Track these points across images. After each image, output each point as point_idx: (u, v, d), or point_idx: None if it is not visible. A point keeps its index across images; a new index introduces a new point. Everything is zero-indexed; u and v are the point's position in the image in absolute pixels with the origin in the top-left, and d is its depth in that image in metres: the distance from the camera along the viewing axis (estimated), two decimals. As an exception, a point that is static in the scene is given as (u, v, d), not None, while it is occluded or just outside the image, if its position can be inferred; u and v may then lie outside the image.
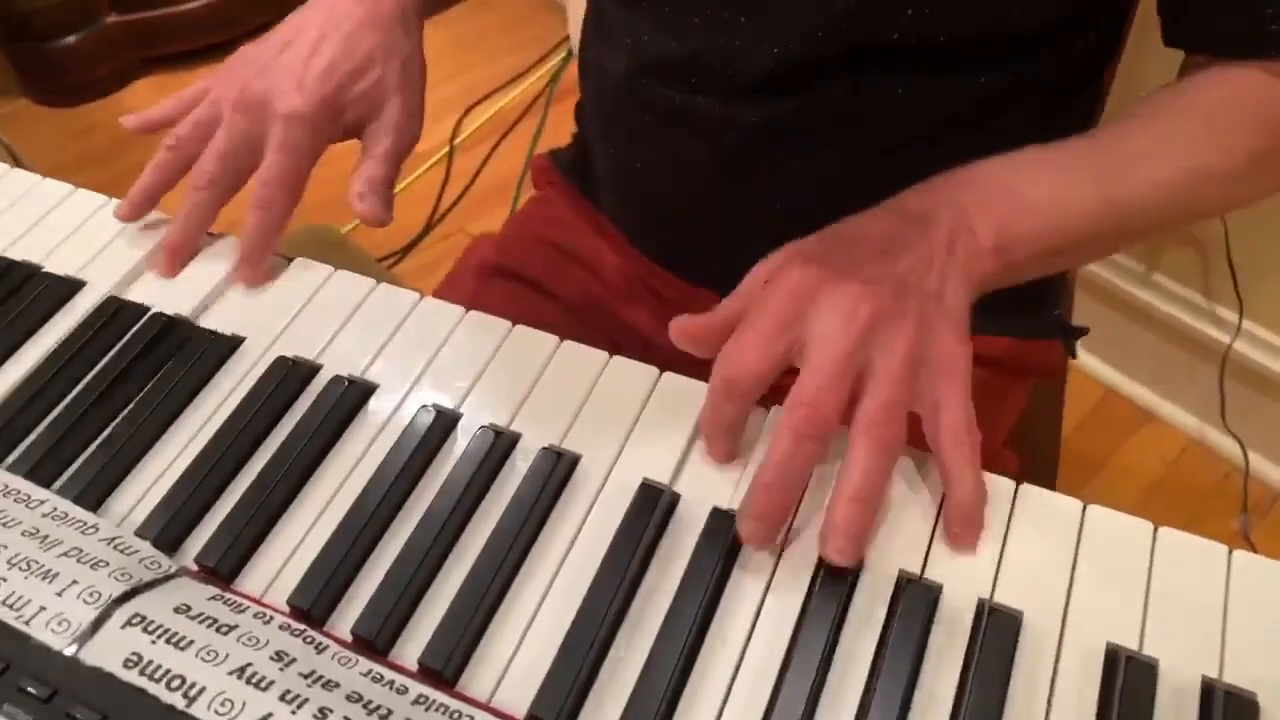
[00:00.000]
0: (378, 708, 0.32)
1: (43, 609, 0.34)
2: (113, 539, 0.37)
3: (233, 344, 0.45)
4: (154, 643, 0.33)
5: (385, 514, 0.39)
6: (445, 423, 0.41)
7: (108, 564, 0.36)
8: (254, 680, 0.32)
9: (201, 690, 0.31)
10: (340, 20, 0.51)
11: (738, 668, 0.34)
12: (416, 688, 0.33)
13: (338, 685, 0.33)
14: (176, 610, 0.34)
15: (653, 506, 0.38)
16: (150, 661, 0.32)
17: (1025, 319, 0.61)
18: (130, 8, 1.79)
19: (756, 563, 0.37)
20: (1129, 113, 0.46)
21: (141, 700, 0.31)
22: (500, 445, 0.40)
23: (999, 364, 0.59)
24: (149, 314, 0.47)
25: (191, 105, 0.52)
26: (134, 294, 0.48)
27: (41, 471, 0.41)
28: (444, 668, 0.34)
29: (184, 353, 0.45)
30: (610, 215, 0.66)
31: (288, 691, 0.32)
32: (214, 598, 0.35)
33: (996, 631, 0.34)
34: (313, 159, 0.50)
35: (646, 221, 0.63)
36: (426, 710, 0.33)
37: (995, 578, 0.36)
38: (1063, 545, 0.37)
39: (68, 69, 1.78)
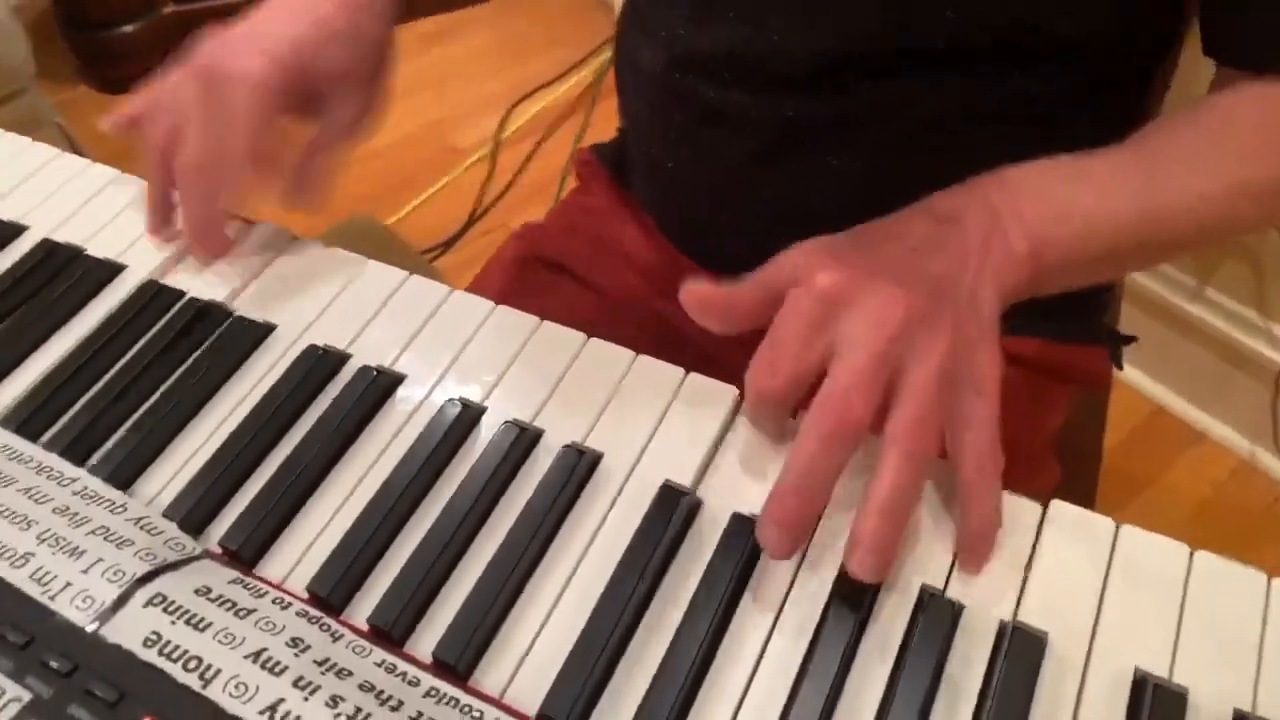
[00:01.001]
0: (389, 698, 0.32)
1: (68, 585, 0.34)
2: (140, 519, 0.38)
3: (265, 331, 0.46)
4: (174, 623, 0.33)
5: (406, 506, 0.39)
6: (470, 416, 0.41)
7: (134, 543, 0.36)
8: (269, 665, 0.32)
9: (217, 672, 0.32)
10: (315, 4, 0.51)
11: (752, 677, 0.34)
12: (429, 680, 0.33)
13: (351, 674, 0.33)
14: (197, 592, 0.34)
15: (673, 509, 0.37)
16: (169, 642, 0.33)
17: (1073, 323, 0.59)
18: (188, -2, 1.83)
19: (775, 570, 0.36)
20: (1163, 125, 0.45)
21: (159, 679, 0.32)
22: (523, 441, 0.40)
23: (1042, 365, 0.58)
24: (185, 299, 0.48)
25: (161, 91, 0.51)
26: (172, 279, 0.49)
27: (75, 449, 0.42)
28: (456, 662, 0.34)
29: (218, 338, 0.46)
30: (647, 208, 0.66)
31: (301, 678, 0.32)
32: (234, 581, 0.36)
33: (1020, 652, 0.33)
34: (263, 124, 0.48)
35: (681, 215, 0.63)
36: (438, 704, 0.33)
37: (1020, 596, 0.35)
38: (1094, 565, 0.35)
39: (126, 57, 1.81)
